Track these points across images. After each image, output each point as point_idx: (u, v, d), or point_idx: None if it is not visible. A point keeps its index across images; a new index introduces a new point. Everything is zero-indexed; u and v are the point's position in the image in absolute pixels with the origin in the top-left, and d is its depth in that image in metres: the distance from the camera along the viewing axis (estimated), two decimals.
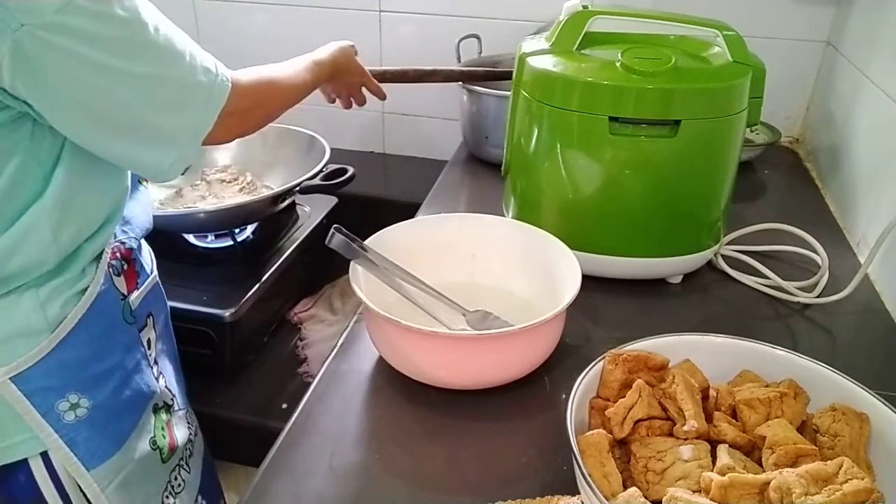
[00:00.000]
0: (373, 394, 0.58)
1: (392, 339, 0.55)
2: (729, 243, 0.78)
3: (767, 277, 0.72)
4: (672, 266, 0.72)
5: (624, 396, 0.46)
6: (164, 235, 0.88)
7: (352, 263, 0.57)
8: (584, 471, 0.40)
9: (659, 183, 0.68)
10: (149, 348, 0.64)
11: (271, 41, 1.22)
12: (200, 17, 1.23)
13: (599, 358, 0.49)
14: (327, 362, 0.61)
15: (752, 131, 1.07)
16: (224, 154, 1.02)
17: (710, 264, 0.75)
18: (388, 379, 0.59)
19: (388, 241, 0.62)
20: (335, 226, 0.57)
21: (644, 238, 0.70)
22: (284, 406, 0.81)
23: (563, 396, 0.57)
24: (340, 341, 0.64)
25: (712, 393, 0.48)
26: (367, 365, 0.61)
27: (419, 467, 0.51)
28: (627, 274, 0.72)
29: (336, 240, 0.56)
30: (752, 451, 0.45)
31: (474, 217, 0.68)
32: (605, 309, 0.70)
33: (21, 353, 0.51)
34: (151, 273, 0.67)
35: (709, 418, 0.46)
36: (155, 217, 0.87)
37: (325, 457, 0.52)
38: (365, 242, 0.59)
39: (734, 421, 0.46)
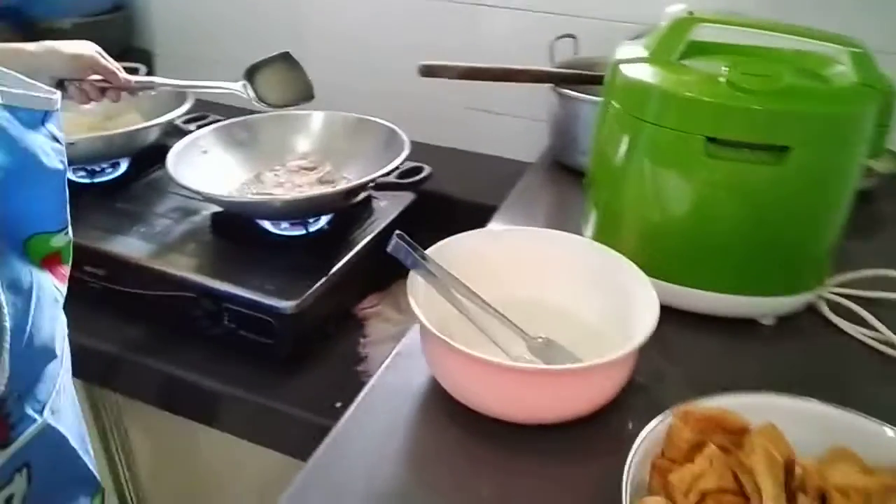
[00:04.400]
0: (421, 413, 0.55)
1: (444, 360, 0.52)
2: (835, 286, 0.69)
3: (878, 331, 0.64)
4: (765, 306, 0.65)
5: (692, 460, 0.41)
6: (240, 219, 0.89)
7: (410, 273, 0.54)
8: None
9: (758, 213, 0.61)
10: None
11: (366, 30, 1.20)
12: (303, 3, 1.23)
13: (665, 413, 0.43)
14: (379, 372, 0.59)
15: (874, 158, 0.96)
16: (305, 142, 1.01)
17: (810, 308, 0.68)
18: (439, 400, 0.55)
19: (452, 250, 0.59)
20: (397, 232, 0.54)
21: (735, 272, 0.63)
22: (338, 405, 0.80)
23: (625, 445, 0.52)
24: (395, 351, 0.61)
25: (798, 470, 0.42)
26: (420, 380, 0.58)
27: (459, 499, 0.48)
28: (713, 310, 0.65)
29: (396, 247, 0.54)
30: None
31: (546, 233, 0.64)
32: (682, 345, 0.64)
33: None
34: (42, 416, 0.50)
35: (791, 500, 0.40)
36: (230, 202, 0.88)
37: (363, 476, 0.49)
38: (427, 252, 0.56)
39: None
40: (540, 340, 0.57)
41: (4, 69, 0.46)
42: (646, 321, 0.51)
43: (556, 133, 0.98)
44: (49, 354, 0.51)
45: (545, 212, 0.90)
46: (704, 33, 0.64)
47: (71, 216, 0.90)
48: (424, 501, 0.48)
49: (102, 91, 0.84)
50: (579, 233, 0.73)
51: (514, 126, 1.18)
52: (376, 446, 0.52)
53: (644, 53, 0.65)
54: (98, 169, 0.98)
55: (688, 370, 0.60)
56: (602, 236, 0.69)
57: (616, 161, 0.66)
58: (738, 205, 0.61)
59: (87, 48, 0.82)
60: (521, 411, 0.51)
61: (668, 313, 0.63)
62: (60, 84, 0.82)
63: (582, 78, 0.89)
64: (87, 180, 0.97)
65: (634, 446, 0.41)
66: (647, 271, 0.59)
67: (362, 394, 0.57)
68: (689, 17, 0.64)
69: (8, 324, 0.43)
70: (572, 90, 0.92)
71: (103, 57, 0.83)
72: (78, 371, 0.85)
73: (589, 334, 0.59)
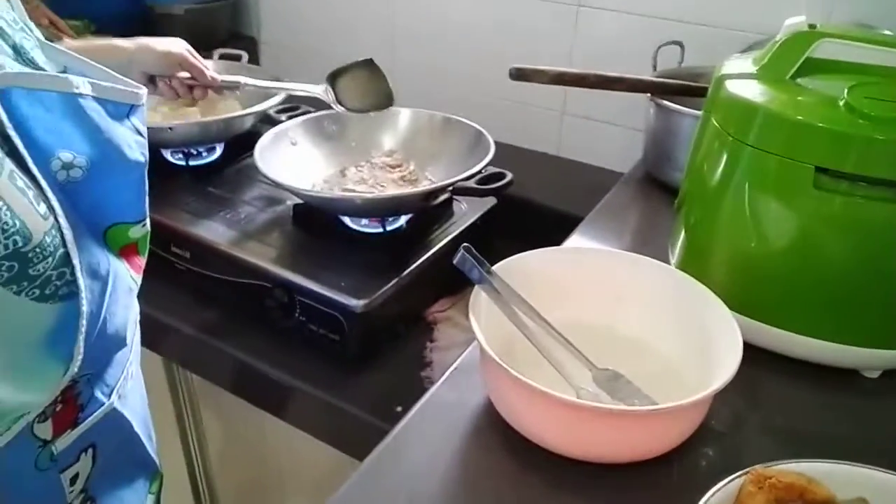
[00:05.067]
0: (474, 434, 0.53)
1: (500, 384, 0.50)
2: None
3: None
4: (870, 358, 0.58)
5: None
6: (320, 213, 0.90)
7: (475, 288, 0.52)
8: None
9: (871, 255, 0.54)
10: (72, 485, 0.52)
11: (463, 29, 1.18)
12: (398, 3, 1.23)
13: (739, 473, 0.39)
14: (436, 387, 0.57)
15: None
16: (391, 138, 1.00)
17: None
18: (493, 422, 0.53)
19: (521, 267, 0.56)
20: (464, 245, 0.52)
21: (839, 318, 0.57)
22: (398, 409, 0.79)
23: (688, 498, 0.47)
24: (455, 365, 0.59)
25: None
26: (475, 400, 0.55)
27: None
28: (809, 356, 0.59)
29: (462, 259, 0.51)
30: None
31: (626, 257, 0.59)
32: (768, 389, 0.58)
33: None
34: (110, 399, 0.53)
35: None
36: (310, 196, 0.89)
37: (408, 491, 0.48)
38: (496, 267, 0.54)
39: None
40: (607, 372, 0.53)
41: (95, 63, 0.48)
42: (727, 365, 0.47)
43: (652, 146, 0.92)
44: (120, 341, 0.52)
45: (632, 228, 0.85)
46: (829, 50, 0.58)
47: (165, 198, 0.94)
48: None
49: (190, 88, 0.87)
50: (665, 255, 0.68)
51: (611, 134, 1.13)
52: (425, 463, 0.50)
53: (753, 68, 0.59)
54: (194, 152, 1.01)
55: (772, 420, 0.55)
56: (689, 263, 0.64)
57: (712, 183, 0.61)
58: (849, 244, 0.55)
59: (177, 46, 0.85)
60: (576, 447, 0.48)
61: (757, 354, 0.58)
62: (151, 79, 0.85)
63: (683, 89, 0.83)
64: (182, 163, 1.01)
65: None
66: (735, 307, 0.54)
67: (416, 407, 0.55)
68: (811, 31, 0.58)
69: (86, 308, 0.44)
70: (673, 102, 0.86)
71: (192, 55, 0.86)
72: (158, 348, 0.89)
73: (662, 371, 0.55)
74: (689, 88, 0.83)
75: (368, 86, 0.90)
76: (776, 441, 0.52)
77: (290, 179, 0.86)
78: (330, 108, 0.99)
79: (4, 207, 0.39)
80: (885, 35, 0.63)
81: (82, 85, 0.45)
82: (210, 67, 0.89)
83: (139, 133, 0.50)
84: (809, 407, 0.57)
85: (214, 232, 0.87)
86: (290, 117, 0.99)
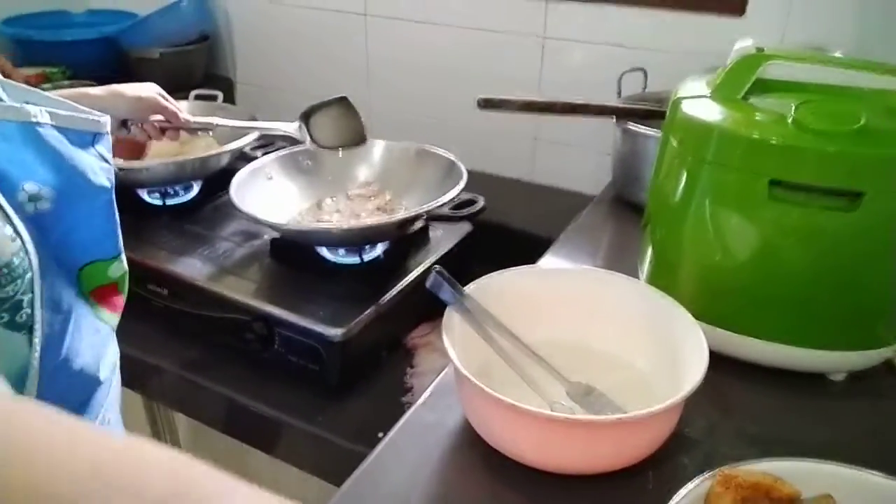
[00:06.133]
0: (453, 454, 0.53)
1: (476, 403, 0.50)
2: None
3: None
4: (835, 361, 0.60)
5: None
6: (297, 245, 0.91)
7: (447, 310, 0.53)
8: None
9: (827, 261, 0.57)
10: None
11: (435, 61, 1.22)
12: (370, 34, 1.26)
13: (707, 475, 0.40)
14: (413, 409, 0.58)
15: None
16: (366, 170, 1.02)
17: (887, 364, 0.62)
18: (471, 442, 0.54)
19: (494, 287, 0.58)
20: (436, 267, 0.53)
21: (802, 323, 0.59)
22: (381, 435, 0.79)
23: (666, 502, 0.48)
24: (432, 387, 0.60)
25: None
26: (453, 420, 0.56)
27: None
28: (776, 362, 0.61)
29: (434, 282, 0.53)
30: None
31: (595, 273, 0.61)
32: (740, 397, 0.59)
33: None
34: None
35: None
36: (287, 229, 0.90)
37: None
38: (468, 288, 0.55)
39: None
40: (580, 386, 0.54)
41: (56, 97, 0.49)
42: (693, 373, 0.48)
43: (620, 168, 0.95)
44: (92, 381, 0.52)
45: (603, 249, 0.87)
46: (777, 71, 0.60)
47: (142, 237, 0.94)
48: None
49: (163, 130, 0.88)
50: (635, 272, 0.70)
51: (580, 158, 1.16)
52: (405, 483, 0.51)
53: (707, 90, 0.62)
54: (171, 192, 1.02)
55: (744, 426, 0.56)
56: (657, 278, 0.66)
57: (674, 201, 0.63)
58: (806, 252, 0.57)
59: (148, 90, 0.86)
60: (553, 461, 0.49)
61: (728, 364, 0.60)
62: (123, 123, 0.86)
63: (646, 113, 0.86)
64: (159, 202, 1.02)
65: None
66: (705, 318, 0.56)
67: (395, 429, 0.56)
68: (758, 53, 0.61)
69: (38, 341, 0.44)
70: (638, 125, 0.89)
71: (164, 98, 0.87)
72: (136, 387, 0.89)
73: (635, 382, 0.56)
74: (651, 112, 0.86)
75: (341, 123, 0.92)
76: (749, 446, 0.53)
77: (266, 214, 0.87)
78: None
79: None
80: (828, 55, 0.66)
81: (40, 114, 0.46)
82: (184, 109, 0.90)
83: (105, 160, 0.50)
84: (780, 412, 0.58)
85: (192, 268, 0.87)
86: (266, 153, 1.01)
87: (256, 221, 0.86)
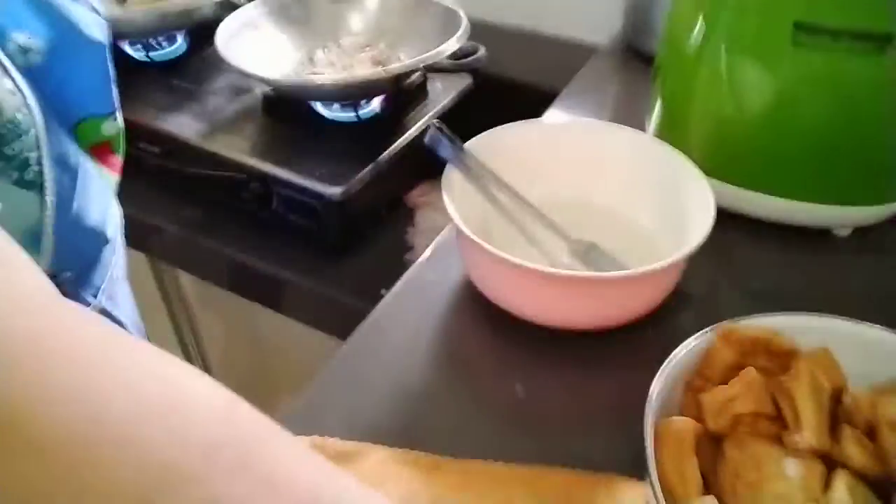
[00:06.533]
0: (455, 311, 0.54)
1: (477, 262, 0.50)
2: None
3: None
4: (842, 215, 0.59)
5: (729, 383, 0.38)
6: (290, 100, 0.87)
7: (447, 167, 0.51)
8: (653, 465, 0.34)
9: (848, 112, 0.54)
10: None
11: None
12: None
13: (706, 330, 0.40)
14: (414, 267, 0.57)
15: None
16: (358, 19, 0.96)
17: (894, 221, 0.61)
18: (473, 299, 0.54)
19: (495, 143, 0.55)
20: (434, 122, 0.51)
21: (813, 177, 0.57)
22: (383, 292, 0.80)
23: (664, 359, 0.49)
24: (433, 245, 0.60)
25: (847, 399, 0.38)
26: (455, 278, 0.56)
27: (486, 402, 0.47)
28: (783, 218, 0.60)
29: (432, 138, 0.50)
30: (884, 488, 0.35)
31: (599, 126, 0.59)
32: (743, 253, 0.59)
33: None
34: (97, 300, 0.52)
35: (835, 431, 0.37)
36: (280, 83, 0.85)
37: (391, 371, 0.49)
38: (468, 144, 0.53)
39: (868, 443, 0.37)
40: (582, 243, 0.54)
41: None
42: (698, 229, 0.47)
43: (631, 15, 0.89)
44: (101, 238, 0.51)
45: (610, 102, 0.84)
46: None
47: (129, 94, 0.90)
48: (448, 399, 0.47)
49: None
50: (643, 128, 0.67)
51: (589, 5, 1.08)
52: (407, 339, 0.51)
53: None
54: (154, 44, 0.96)
55: (746, 283, 0.56)
56: (665, 131, 0.63)
57: (688, 50, 0.59)
58: (827, 102, 0.54)
59: None
60: (555, 317, 0.49)
61: (734, 220, 0.58)
62: None
63: None
64: (144, 57, 0.96)
65: (666, 362, 0.38)
66: (713, 173, 0.54)
67: (396, 287, 0.56)
68: None
69: (50, 198, 0.44)
70: None
71: None
72: (139, 246, 0.89)
73: (639, 240, 0.55)
74: None
75: None
76: (750, 302, 0.53)
77: (256, 67, 0.82)
78: None
79: None
80: None
81: None
82: None
83: (96, 13, 0.47)
84: (783, 268, 0.58)
85: (183, 126, 0.84)
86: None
87: (246, 76, 0.82)
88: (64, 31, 0.44)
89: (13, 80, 0.40)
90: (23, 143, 0.41)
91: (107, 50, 0.48)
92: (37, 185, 0.43)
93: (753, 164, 0.58)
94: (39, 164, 0.43)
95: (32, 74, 0.42)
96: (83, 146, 0.49)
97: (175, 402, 0.23)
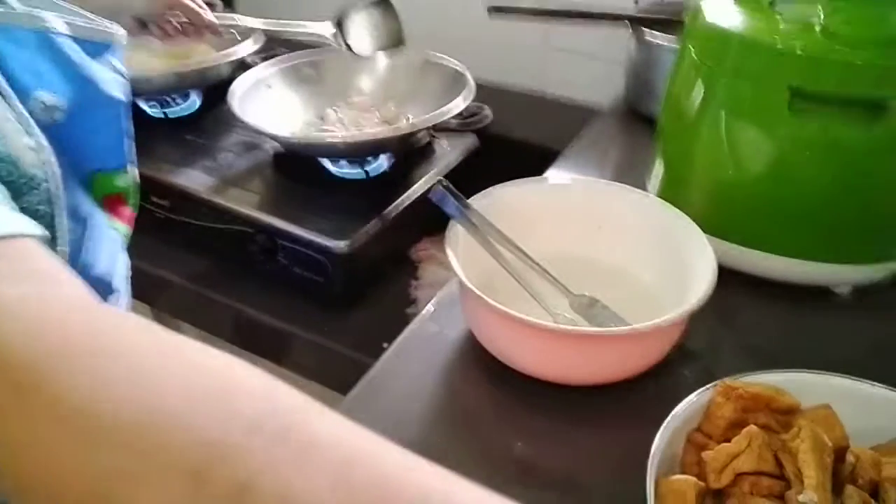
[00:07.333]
0: (456, 365, 0.54)
1: (480, 315, 0.50)
2: None
3: None
4: (842, 274, 0.59)
5: (731, 438, 0.38)
6: (300, 157, 0.89)
7: (451, 223, 0.52)
8: None
9: (845, 175, 0.55)
10: None
11: None
12: None
13: (709, 386, 0.40)
14: (417, 320, 0.58)
15: None
16: (368, 81, 0.99)
17: (894, 282, 0.61)
18: (475, 353, 0.54)
19: (499, 200, 0.56)
20: (440, 179, 0.52)
21: (812, 237, 0.58)
22: (385, 345, 0.80)
23: (665, 415, 0.49)
24: (436, 299, 0.60)
25: (850, 458, 0.38)
26: (457, 332, 0.57)
27: (486, 457, 0.47)
28: (784, 276, 0.60)
29: (438, 194, 0.52)
30: None
31: (602, 185, 0.60)
32: (744, 310, 0.59)
33: None
34: None
35: (838, 490, 0.37)
36: (290, 141, 0.88)
37: (391, 424, 0.49)
38: (471, 200, 0.54)
39: (871, 502, 0.36)
40: (583, 298, 0.54)
41: (70, 5, 0.47)
42: (700, 286, 0.48)
43: (633, 78, 0.92)
44: (107, 288, 0.52)
45: (612, 162, 0.86)
46: None
47: (143, 149, 0.92)
48: (448, 453, 0.47)
49: (184, 29, 0.84)
50: (644, 187, 0.69)
51: (592, 69, 1.11)
52: (408, 395, 0.51)
53: None
54: (170, 101, 0.99)
55: (747, 340, 0.56)
56: (667, 192, 0.65)
57: (689, 113, 0.61)
58: (823, 165, 0.56)
59: None
60: (557, 372, 0.49)
61: (734, 278, 0.59)
62: (143, 24, 0.82)
63: (665, 21, 0.82)
64: (159, 114, 0.99)
65: (668, 419, 0.38)
66: (713, 232, 0.55)
67: (399, 340, 0.56)
68: None
69: (63, 248, 0.45)
70: (654, 33, 0.85)
71: None
72: (144, 298, 0.89)
73: (640, 296, 0.56)
74: (668, 20, 0.82)
75: (380, 25, 0.85)
76: (750, 359, 0.53)
77: (268, 125, 0.85)
78: (305, 49, 0.97)
79: None
80: None
81: (54, 20, 0.44)
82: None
83: (118, 72, 0.49)
84: (783, 326, 0.58)
85: (194, 180, 0.86)
86: (265, 59, 0.98)
87: (258, 132, 0.84)
88: (85, 89, 0.46)
89: (35, 137, 0.42)
90: (38, 196, 0.42)
91: (125, 107, 0.50)
92: (47, 238, 0.44)
93: (753, 224, 0.59)
94: (52, 216, 0.44)
95: (53, 130, 0.44)
96: (96, 196, 0.50)
97: (219, 386, 0.25)
